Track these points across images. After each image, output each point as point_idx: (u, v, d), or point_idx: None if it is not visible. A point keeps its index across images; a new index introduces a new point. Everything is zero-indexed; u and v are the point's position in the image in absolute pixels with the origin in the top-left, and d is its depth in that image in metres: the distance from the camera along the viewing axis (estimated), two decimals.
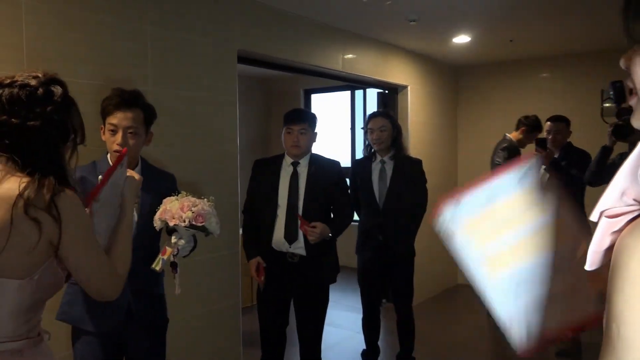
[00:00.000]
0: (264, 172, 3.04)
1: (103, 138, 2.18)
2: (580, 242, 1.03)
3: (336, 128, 7.15)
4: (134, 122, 2.13)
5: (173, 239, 2.07)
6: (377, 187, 3.56)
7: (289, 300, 3.03)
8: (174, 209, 2.00)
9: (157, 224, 2.06)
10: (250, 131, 6.90)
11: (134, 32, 2.91)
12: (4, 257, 1.23)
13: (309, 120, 3.00)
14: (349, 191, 3.24)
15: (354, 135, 7.02)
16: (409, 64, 5.50)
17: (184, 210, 1.99)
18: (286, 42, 3.96)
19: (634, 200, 0.72)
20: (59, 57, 2.57)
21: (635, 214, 0.72)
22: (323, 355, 3.13)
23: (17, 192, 1.23)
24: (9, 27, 2.39)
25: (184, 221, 1.99)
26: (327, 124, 6.80)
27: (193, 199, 2.04)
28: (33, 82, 1.29)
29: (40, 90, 1.29)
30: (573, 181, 3.65)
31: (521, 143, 4.28)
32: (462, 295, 5.86)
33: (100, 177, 1.63)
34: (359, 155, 6.65)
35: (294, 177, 2.95)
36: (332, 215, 3.04)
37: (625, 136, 3.41)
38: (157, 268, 2.07)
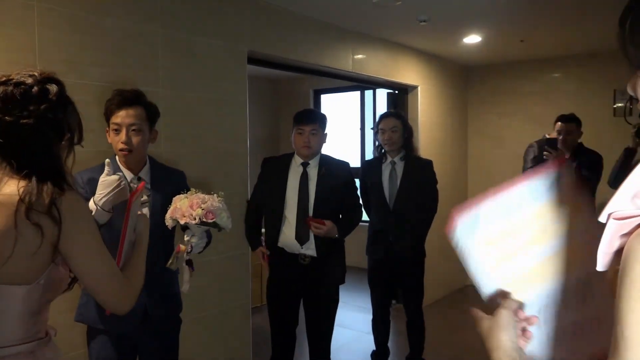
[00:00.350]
0: (272, 170, 3.05)
1: (109, 140, 2.19)
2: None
3: (345, 129, 7.14)
4: (137, 120, 2.14)
5: (186, 237, 2.08)
6: (388, 188, 3.55)
7: (299, 301, 3.04)
8: (184, 207, 2.01)
9: (168, 222, 2.07)
10: (260, 131, 6.92)
11: (145, 35, 2.93)
12: (10, 264, 1.22)
13: (320, 120, 3.00)
14: (358, 192, 3.24)
15: (363, 136, 7.01)
16: (419, 64, 5.48)
17: (194, 207, 1.99)
18: (296, 43, 3.97)
19: None
20: (70, 59, 2.59)
21: None
22: (333, 355, 3.14)
23: (17, 197, 1.21)
24: (22, 29, 2.42)
25: (195, 219, 1.99)
26: (336, 124, 6.80)
27: (202, 195, 2.04)
28: (29, 81, 1.28)
29: (35, 89, 1.27)
30: (584, 183, 3.61)
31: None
32: (473, 296, 5.81)
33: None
34: (369, 156, 6.65)
35: (304, 178, 2.96)
36: (341, 216, 3.05)
37: None
38: (172, 266, 2.09)
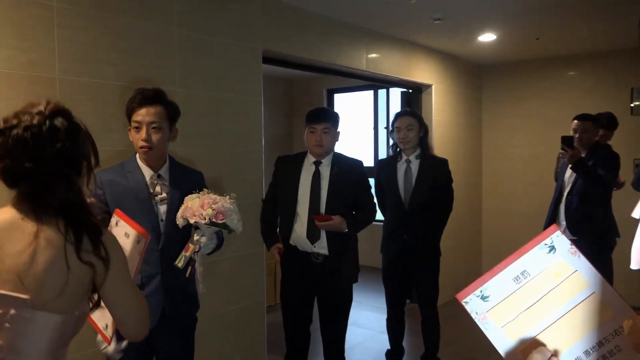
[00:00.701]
0: (286, 168, 3.05)
1: (130, 138, 2.23)
2: (622, 317, 0.97)
3: (359, 128, 7.14)
4: (157, 117, 2.18)
5: (195, 237, 2.10)
6: (403, 187, 3.53)
7: (313, 299, 3.04)
8: (195, 207, 2.03)
9: (179, 221, 2.09)
10: (274, 130, 6.93)
11: (161, 35, 2.96)
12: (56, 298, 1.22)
13: (332, 119, 2.99)
14: (371, 190, 3.23)
15: (376, 135, 7.00)
16: (433, 62, 5.46)
17: (204, 207, 2.01)
18: (310, 42, 3.98)
19: None
20: (88, 59, 2.62)
21: None
22: (347, 354, 3.14)
23: (62, 238, 1.23)
24: (42, 29, 2.45)
25: (205, 218, 2.01)
26: (349, 124, 6.79)
27: (214, 196, 2.06)
28: (35, 121, 1.24)
29: (44, 128, 1.24)
30: (600, 181, 3.58)
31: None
32: None
33: None
34: (382, 154, 6.64)
35: (316, 176, 2.96)
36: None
37: None
38: (180, 265, 2.10)
